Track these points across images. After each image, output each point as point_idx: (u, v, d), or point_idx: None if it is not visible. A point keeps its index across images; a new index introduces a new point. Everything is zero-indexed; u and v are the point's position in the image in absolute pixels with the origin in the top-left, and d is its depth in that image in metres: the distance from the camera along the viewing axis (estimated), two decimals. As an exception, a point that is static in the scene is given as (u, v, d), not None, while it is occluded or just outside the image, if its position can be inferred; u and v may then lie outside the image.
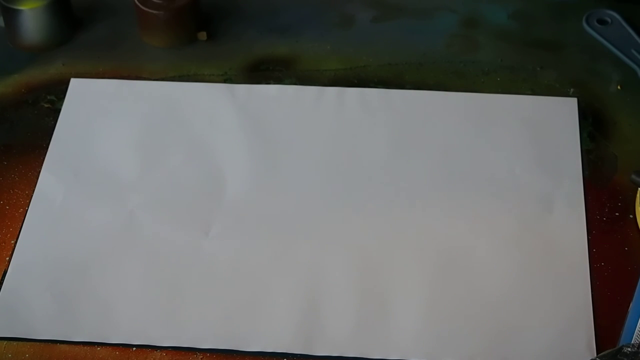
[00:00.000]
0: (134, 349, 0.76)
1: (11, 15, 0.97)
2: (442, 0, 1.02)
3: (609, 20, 0.99)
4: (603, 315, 0.77)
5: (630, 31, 0.97)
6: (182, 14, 0.97)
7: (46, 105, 0.93)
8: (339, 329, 0.77)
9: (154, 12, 0.96)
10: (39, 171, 0.88)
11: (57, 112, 0.92)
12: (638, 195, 0.83)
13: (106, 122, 0.91)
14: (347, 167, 0.87)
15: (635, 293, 0.69)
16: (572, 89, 0.93)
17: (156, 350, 0.76)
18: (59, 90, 0.94)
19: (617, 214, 0.84)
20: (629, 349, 0.64)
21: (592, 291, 0.79)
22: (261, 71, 0.96)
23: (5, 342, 0.77)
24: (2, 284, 0.80)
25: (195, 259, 0.81)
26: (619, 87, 0.93)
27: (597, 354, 0.74)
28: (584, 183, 0.86)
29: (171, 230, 0.83)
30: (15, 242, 0.83)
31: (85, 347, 0.77)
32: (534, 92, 0.93)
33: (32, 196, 0.86)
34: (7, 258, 0.82)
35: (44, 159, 0.89)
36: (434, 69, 0.95)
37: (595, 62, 0.96)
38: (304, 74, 0.95)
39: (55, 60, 0.97)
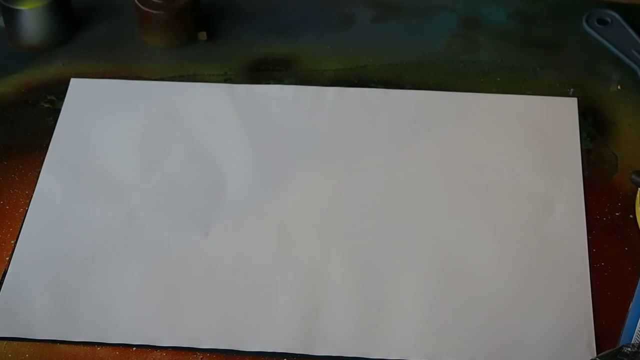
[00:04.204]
0: (134, 349, 0.76)
1: (11, 15, 0.97)
2: (442, 0, 1.02)
3: (609, 20, 0.99)
4: (603, 315, 0.77)
5: (630, 31, 0.97)
6: (182, 14, 0.97)
7: (46, 105, 0.93)
8: (339, 329, 0.77)
9: (154, 12, 0.96)
10: (39, 171, 0.88)
11: (57, 112, 0.92)
12: (638, 195, 0.83)
13: (106, 122, 0.91)
14: (347, 167, 0.87)
15: (635, 293, 0.69)
16: (572, 89, 0.93)
17: (156, 350, 0.76)
18: (59, 90, 0.94)
19: (617, 214, 0.84)
20: (629, 349, 0.64)
21: (592, 291, 0.79)
22: (261, 71, 0.96)
23: (5, 342, 0.77)
24: (2, 283, 0.80)
25: (195, 259, 0.81)
26: (619, 87, 0.93)
27: (597, 354, 0.74)
28: (584, 183, 0.86)
29: (171, 230, 0.83)
30: (15, 242, 0.83)
31: (85, 347, 0.77)
32: (534, 92, 0.93)
33: (32, 196, 0.86)
34: (7, 258, 0.82)
35: (44, 159, 0.89)
36: (434, 69, 0.95)
37: (595, 62, 0.96)
38: (304, 74, 0.95)
39: (55, 60, 0.97)
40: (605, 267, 0.80)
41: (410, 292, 0.79)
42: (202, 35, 0.98)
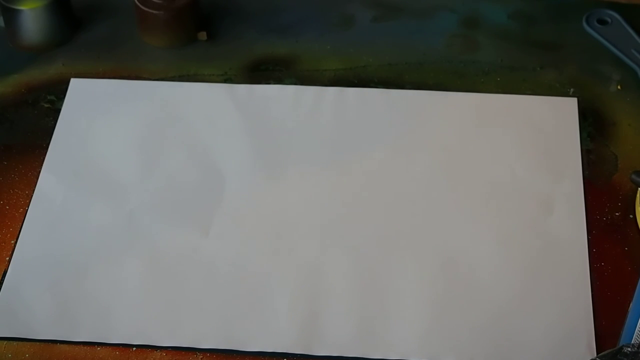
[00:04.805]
0: (134, 349, 0.76)
1: (11, 15, 0.97)
2: (442, 0, 1.02)
3: (609, 20, 0.99)
4: (603, 315, 0.77)
5: (630, 31, 0.97)
6: (182, 14, 0.97)
7: (46, 105, 0.93)
8: (339, 329, 0.77)
9: (154, 12, 0.96)
10: (39, 171, 0.88)
11: (57, 112, 0.92)
12: (638, 195, 0.83)
13: (106, 122, 0.91)
14: (347, 167, 0.87)
15: (635, 293, 0.69)
16: (572, 89, 0.93)
17: (156, 350, 0.76)
18: (59, 90, 0.94)
19: (617, 214, 0.84)
20: (629, 349, 0.64)
21: (592, 291, 0.79)
22: (261, 71, 0.96)
23: (5, 342, 0.77)
24: (2, 283, 0.80)
25: (195, 259, 0.81)
26: (619, 87, 0.93)
27: (597, 354, 0.74)
28: (584, 183, 0.86)
29: (171, 230, 0.83)
30: (15, 242, 0.83)
31: (85, 347, 0.77)
32: (534, 92, 0.93)
33: (32, 196, 0.86)
34: (7, 258, 0.82)
35: (44, 159, 0.89)
36: (434, 69, 0.95)
37: (595, 62, 0.96)
38: (304, 74, 0.95)
39: (55, 60, 0.97)
40: (605, 267, 0.80)
41: (411, 292, 0.79)
42: (202, 35, 0.98)
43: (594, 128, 0.90)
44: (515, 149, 0.88)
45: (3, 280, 0.80)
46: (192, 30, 0.98)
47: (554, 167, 0.87)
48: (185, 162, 0.88)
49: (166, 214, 0.84)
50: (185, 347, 0.76)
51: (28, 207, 0.85)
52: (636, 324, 0.69)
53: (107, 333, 0.77)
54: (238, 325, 0.77)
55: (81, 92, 0.94)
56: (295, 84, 0.94)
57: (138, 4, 0.96)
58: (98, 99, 0.93)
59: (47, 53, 0.98)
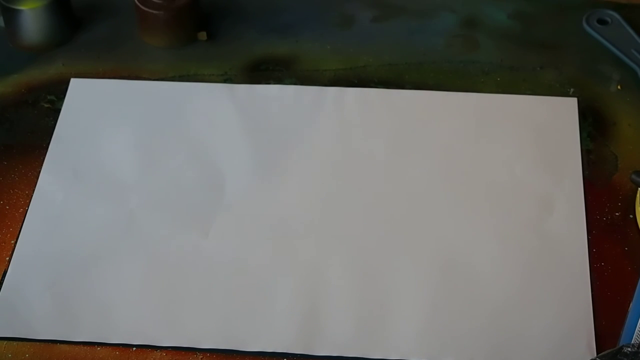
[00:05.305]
0: (134, 349, 0.76)
1: (11, 15, 0.97)
2: (442, 0, 1.02)
3: (609, 20, 0.99)
4: (603, 315, 0.77)
5: (630, 31, 0.97)
6: (182, 14, 0.97)
7: (46, 105, 0.93)
8: (339, 329, 0.77)
9: (154, 12, 0.96)
10: (39, 171, 0.88)
11: (57, 112, 0.92)
12: (638, 195, 0.83)
13: (106, 122, 0.91)
14: (346, 167, 0.87)
15: (635, 293, 0.69)
16: (572, 89, 0.93)
17: (156, 350, 0.76)
18: (59, 90, 0.94)
19: (617, 214, 0.84)
20: (629, 349, 0.64)
21: (592, 291, 0.79)
22: (261, 71, 0.96)
23: (5, 342, 0.77)
24: (2, 283, 0.80)
25: (195, 259, 0.81)
26: (619, 87, 0.93)
27: (597, 354, 0.74)
28: (584, 183, 0.86)
29: (171, 230, 0.83)
30: (15, 242, 0.83)
31: (85, 347, 0.77)
32: (534, 92, 0.93)
33: (32, 196, 0.86)
34: (7, 258, 0.82)
35: (44, 159, 0.89)
36: (434, 69, 0.95)
37: (595, 62, 0.96)
38: (304, 74, 0.95)
39: (55, 60, 0.97)
40: (605, 267, 0.80)
41: (410, 292, 0.79)
42: (202, 35, 0.98)
43: (594, 128, 0.90)
44: (515, 149, 0.88)
45: (3, 280, 0.80)
46: (192, 30, 0.98)
47: (554, 167, 0.87)
48: (185, 162, 0.88)
49: (166, 214, 0.84)
50: (185, 347, 0.76)
51: (28, 207, 0.85)
52: (636, 324, 0.69)
53: (107, 333, 0.77)
54: (238, 325, 0.77)
55: (81, 92, 0.94)
56: (295, 84, 0.94)
57: (138, 4, 0.96)
58: (98, 99, 0.93)
59: (47, 53, 0.98)
